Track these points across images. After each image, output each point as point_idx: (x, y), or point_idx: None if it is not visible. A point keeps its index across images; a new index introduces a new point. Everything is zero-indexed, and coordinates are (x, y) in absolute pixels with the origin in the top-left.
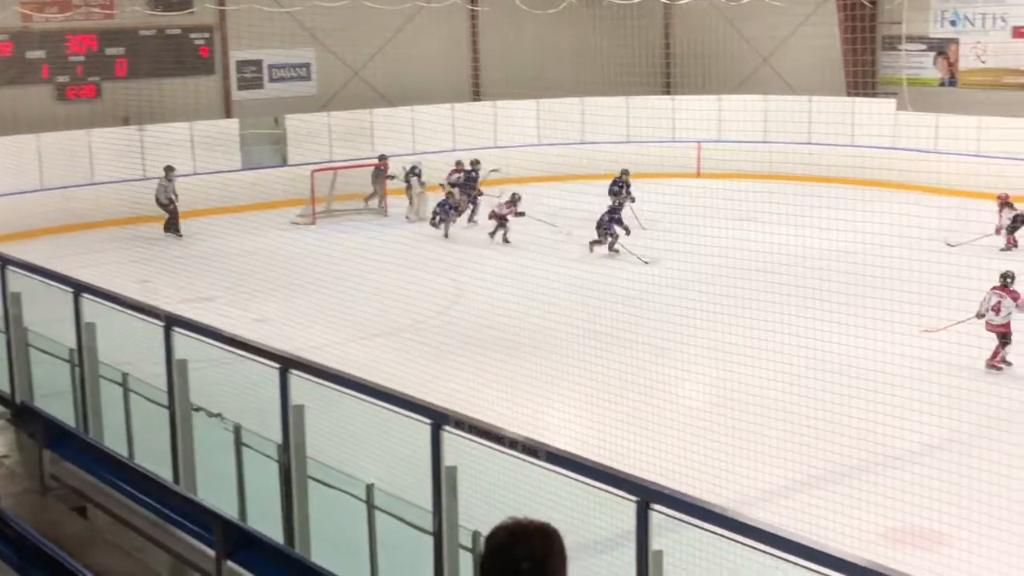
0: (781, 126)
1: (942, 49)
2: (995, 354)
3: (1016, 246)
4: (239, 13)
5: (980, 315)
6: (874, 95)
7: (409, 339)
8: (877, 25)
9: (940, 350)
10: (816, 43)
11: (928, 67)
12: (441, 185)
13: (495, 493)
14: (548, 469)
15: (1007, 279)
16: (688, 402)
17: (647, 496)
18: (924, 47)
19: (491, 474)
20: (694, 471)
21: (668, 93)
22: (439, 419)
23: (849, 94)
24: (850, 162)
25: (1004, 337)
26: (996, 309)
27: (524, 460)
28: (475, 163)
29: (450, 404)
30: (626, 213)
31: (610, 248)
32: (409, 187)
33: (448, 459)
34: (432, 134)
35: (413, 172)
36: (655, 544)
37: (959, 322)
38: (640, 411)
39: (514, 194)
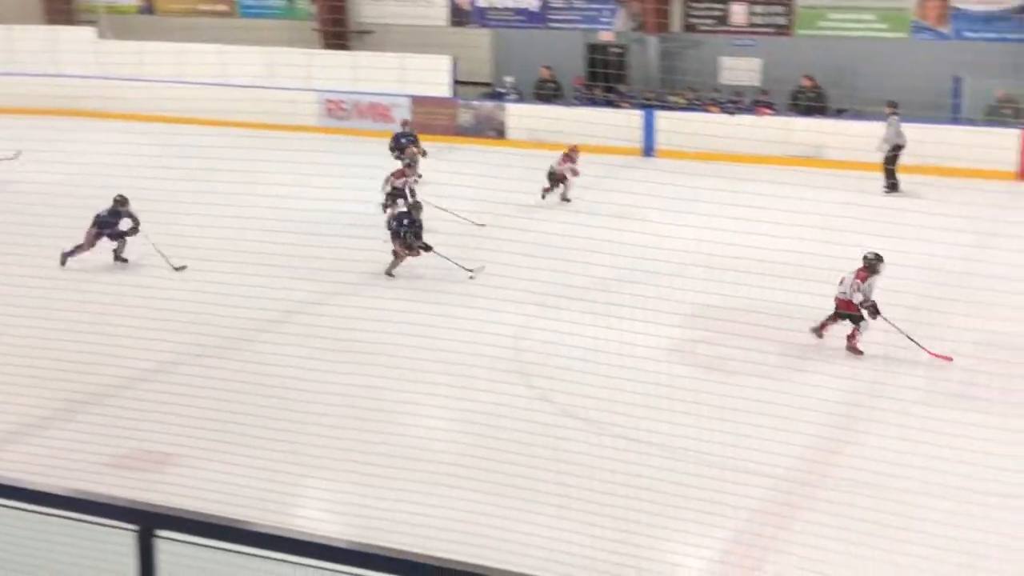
0: None
1: None
2: (851, 335)
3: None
4: None
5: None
6: (74, 23)
7: None
8: None
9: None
10: None
11: None
12: None
13: None
14: None
15: (867, 259)
16: None
17: None
18: None
19: None
20: None
21: None
22: None
23: (47, 22)
24: (56, 92)
25: (851, 317)
26: (842, 280)
27: None
28: None
29: None
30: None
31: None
32: None
33: None
34: None
35: None
36: None
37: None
38: None
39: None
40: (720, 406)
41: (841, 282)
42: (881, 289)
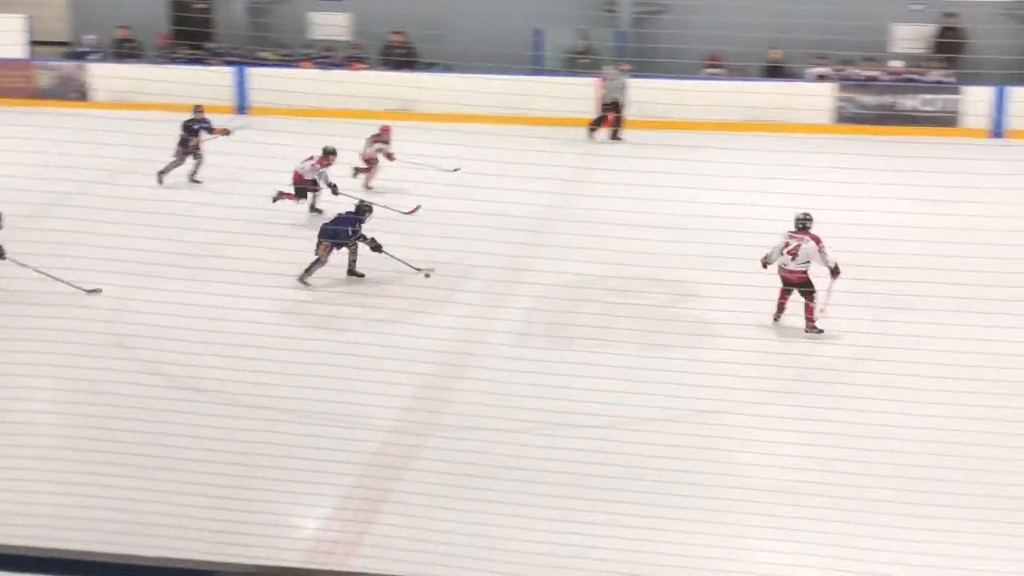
0: None
1: None
2: (810, 310)
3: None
4: None
5: (766, 263)
6: None
7: None
8: None
9: None
10: None
11: None
12: None
13: None
14: None
15: (807, 222)
16: None
17: None
18: None
19: None
20: None
21: None
22: None
23: None
24: None
25: (805, 285)
26: (793, 253)
27: None
28: None
29: None
30: None
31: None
32: None
33: None
34: None
35: None
36: None
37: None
38: None
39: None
40: (330, 363)
41: (793, 256)
42: (477, 239)
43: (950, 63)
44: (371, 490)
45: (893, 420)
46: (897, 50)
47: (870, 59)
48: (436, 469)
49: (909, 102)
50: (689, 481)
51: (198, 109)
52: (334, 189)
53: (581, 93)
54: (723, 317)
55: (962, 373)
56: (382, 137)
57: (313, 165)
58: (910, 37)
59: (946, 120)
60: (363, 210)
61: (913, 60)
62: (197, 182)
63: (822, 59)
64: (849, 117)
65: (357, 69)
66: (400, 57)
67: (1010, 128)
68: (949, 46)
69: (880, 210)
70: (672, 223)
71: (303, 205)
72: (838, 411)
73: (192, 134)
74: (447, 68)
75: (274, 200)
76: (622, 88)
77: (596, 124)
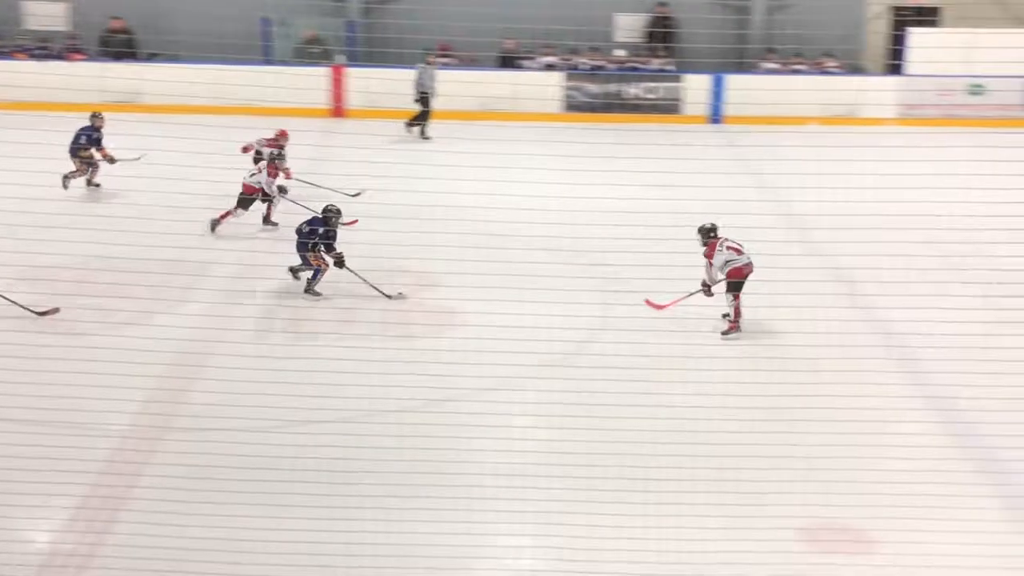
0: None
1: None
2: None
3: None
4: None
5: (709, 287)
6: None
7: None
8: None
9: None
10: None
11: None
12: None
13: None
14: None
15: (715, 229)
16: None
17: None
18: None
19: None
20: None
21: None
22: None
23: None
24: None
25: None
26: (738, 249)
27: None
28: None
29: None
30: None
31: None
32: None
33: None
34: None
35: None
36: None
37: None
38: None
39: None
40: (61, 369)
41: (740, 254)
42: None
43: (666, 52)
44: (107, 498)
45: (628, 399)
46: (620, 39)
47: (595, 48)
48: (175, 473)
49: (633, 90)
50: (434, 471)
51: (95, 116)
52: (282, 190)
53: (312, 83)
54: (465, 306)
55: (695, 352)
56: (278, 142)
57: (267, 174)
58: (631, 27)
59: (668, 107)
60: (329, 217)
61: (634, 49)
62: (96, 185)
63: (550, 48)
64: (577, 105)
65: (75, 60)
66: (121, 47)
67: (727, 114)
68: (662, 35)
69: (613, 196)
70: (411, 213)
71: (242, 216)
72: (573, 394)
73: (82, 144)
74: (172, 58)
75: (213, 229)
76: (432, 81)
77: (420, 119)
